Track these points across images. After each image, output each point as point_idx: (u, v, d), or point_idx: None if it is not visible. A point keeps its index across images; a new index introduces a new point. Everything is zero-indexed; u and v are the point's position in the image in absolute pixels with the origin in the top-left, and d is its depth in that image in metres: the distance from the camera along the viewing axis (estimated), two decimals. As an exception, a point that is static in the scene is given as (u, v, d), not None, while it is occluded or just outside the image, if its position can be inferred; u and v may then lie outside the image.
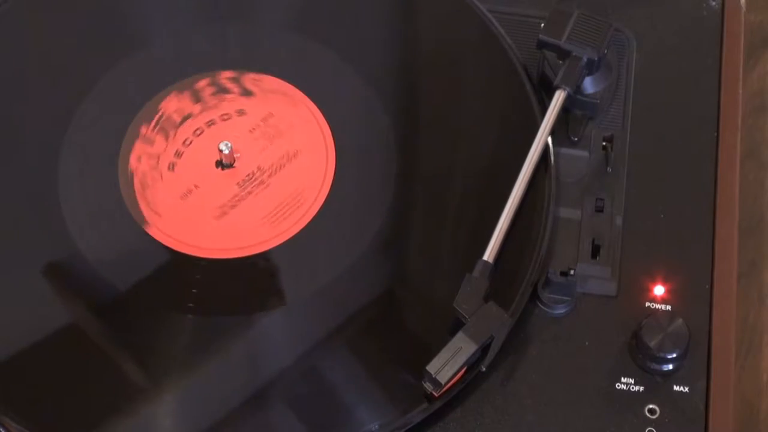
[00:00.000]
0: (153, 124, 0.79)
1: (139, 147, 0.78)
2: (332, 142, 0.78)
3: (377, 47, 0.82)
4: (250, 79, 0.79)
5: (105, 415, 0.69)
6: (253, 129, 0.78)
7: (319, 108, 0.79)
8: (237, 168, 0.77)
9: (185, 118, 0.79)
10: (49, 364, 0.71)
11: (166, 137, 0.78)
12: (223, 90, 0.79)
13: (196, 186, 0.77)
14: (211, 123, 0.78)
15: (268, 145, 0.78)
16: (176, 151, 0.78)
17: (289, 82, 0.80)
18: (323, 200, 0.76)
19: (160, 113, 0.79)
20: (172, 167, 0.77)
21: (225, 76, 0.80)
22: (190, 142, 0.78)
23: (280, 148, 0.78)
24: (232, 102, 0.79)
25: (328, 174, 0.77)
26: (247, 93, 0.79)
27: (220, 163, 0.77)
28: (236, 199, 0.76)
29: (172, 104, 0.79)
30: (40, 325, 0.72)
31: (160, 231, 0.75)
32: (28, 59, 0.81)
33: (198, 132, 0.78)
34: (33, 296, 0.73)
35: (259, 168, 0.77)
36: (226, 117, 0.79)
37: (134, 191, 0.76)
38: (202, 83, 0.80)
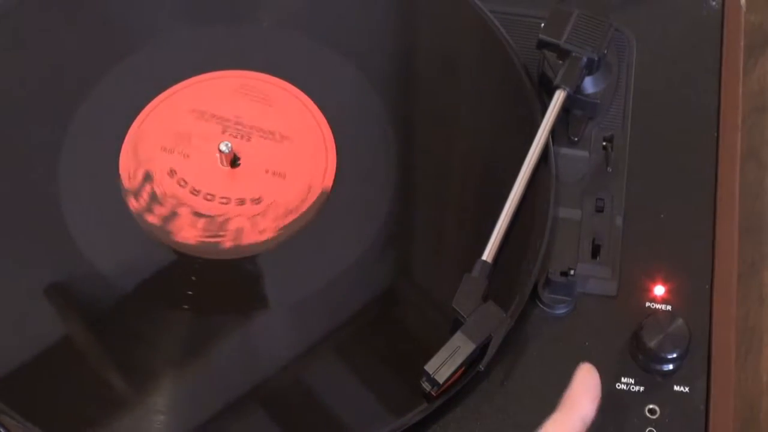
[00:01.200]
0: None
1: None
2: (332, 142, 0.78)
3: (377, 47, 0.82)
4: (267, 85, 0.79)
5: (103, 413, 0.69)
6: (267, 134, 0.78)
7: (319, 108, 0.79)
8: (239, 167, 0.77)
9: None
10: (46, 363, 0.71)
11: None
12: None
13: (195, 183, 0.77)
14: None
15: (272, 146, 0.78)
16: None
17: (288, 82, 0.80)
18: (323, 201, 0.76)
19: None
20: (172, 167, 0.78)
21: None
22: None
23: (281, 148, 0.78)
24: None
25: (328, 174, 0.77)
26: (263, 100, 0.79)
27: (221, 162, 0.77)
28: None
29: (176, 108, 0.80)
30: (37, 324, 0.72)
31: (160, 229, 0.75)
32: (28, 59, 0.81)
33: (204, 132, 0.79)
34: (29, 295, 0.73)
35: (260, 166, 0.77)
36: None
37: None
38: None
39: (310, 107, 0.79)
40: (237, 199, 0.76)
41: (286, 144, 0.78)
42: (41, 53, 0.82)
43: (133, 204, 0.75)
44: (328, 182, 0.76)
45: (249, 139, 0.78)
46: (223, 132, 0.78)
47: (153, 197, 0.76)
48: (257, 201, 0.76)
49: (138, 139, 0.77)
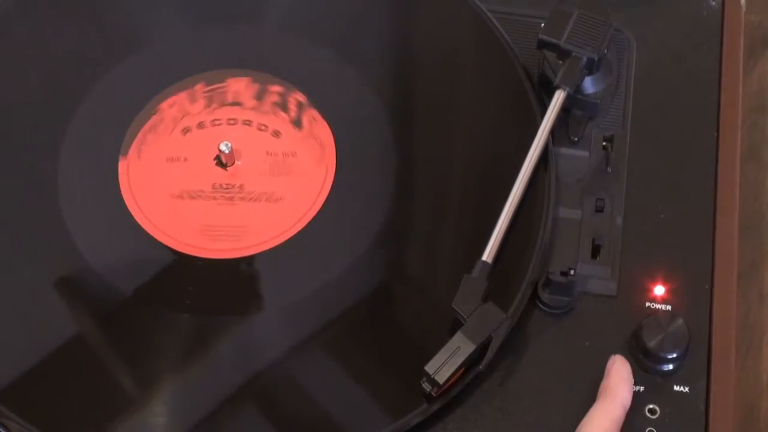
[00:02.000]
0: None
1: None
2: (332, 143, 0.78)
3: (376, 47, 0.82)
4: (309, 115, 0.79)
5: (103, 414, 0.70)
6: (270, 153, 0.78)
7: (319, 108, 0.79)
8: (236, 168, 0.77)
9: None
10: (46, 365, 0.71)
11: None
12: (282, 106, 0.79)
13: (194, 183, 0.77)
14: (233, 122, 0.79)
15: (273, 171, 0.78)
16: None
17: (288, 81, 0.80)
18: (322, 202, 0.76)
19: (159, 114, 0.79)
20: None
21: (295, 97, 0.79)
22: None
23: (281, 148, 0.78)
24: (278, 119, 0.79)
25: (329, 175, 0.77)
26: (297, 124, 0.78)
27: (219, 163, 0.77)
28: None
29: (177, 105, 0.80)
30: (37, 324, 0.72)
31: (159, 230, 0.75)
32: (28, 60, 0.81)
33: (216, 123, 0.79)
34: (30, 295, 0.73)
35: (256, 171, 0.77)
36: (263, 128, 0.78)
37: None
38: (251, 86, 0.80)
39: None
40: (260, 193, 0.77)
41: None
42: (40, 53, 0.82)
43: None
44: (329, 184, 0.76)
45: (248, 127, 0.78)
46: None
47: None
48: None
49: (158, 222, 0.76)
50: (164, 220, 0.75)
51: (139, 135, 0.78)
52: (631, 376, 0.70)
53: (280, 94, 0.79)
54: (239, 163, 0.77)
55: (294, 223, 0.75)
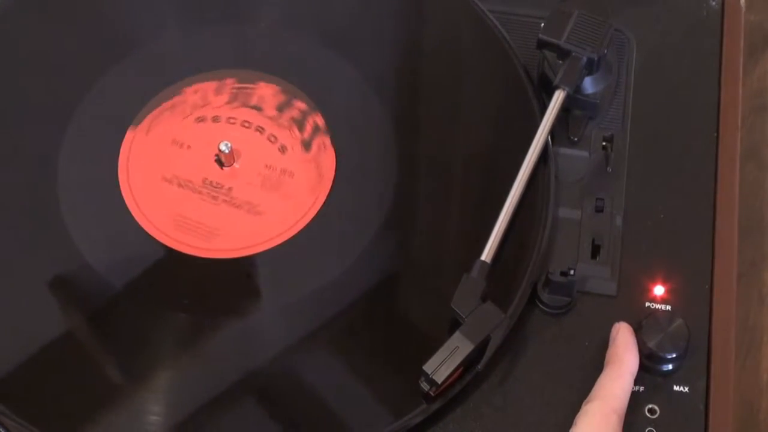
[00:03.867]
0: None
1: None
2: (331, 176, 0.77)
3: (376, 46, 0.82)
4: (320, 141, 0.78)
5: (102, 413, 0.70)
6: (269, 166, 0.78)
7: (319, 108, 0.79)
8: (233, 170, 0.77)
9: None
10: (44, 363, 0.71)
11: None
12: (299, 124, 0.79)
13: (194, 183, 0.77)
14: (237, 122, 0.79)
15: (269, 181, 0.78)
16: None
17: (314, 101, 0.80)
18: (322, 201, 0.76)
19: (182, 96, 0.79)
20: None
21: (315, 119, 0.79)
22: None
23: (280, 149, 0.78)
24: (288, 133, 0.79)
25: (315, 205, 0.76)
26: (306, 146, 0.78)
27: (218, 160, 0.77)
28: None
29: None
30: (35, 323, 0.72)
31: (158, 229, 0.75)
32: (28, 60, 0.81)
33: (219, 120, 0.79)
34: (28, 294, 0.73)
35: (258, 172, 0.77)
36: (272, 139, 0.78)
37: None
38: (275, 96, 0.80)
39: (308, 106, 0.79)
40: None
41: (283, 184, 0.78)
42: (41, 53, 0.82)
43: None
44: (328, 184, 0.76)
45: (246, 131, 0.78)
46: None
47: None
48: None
49: (139, 198, 0.76)
50: (144, 196, 0.76)
51: (157, 111, 0.78)
52: (635, 341, 0.70)
53: (302, 112, 0.79)
54: (237, 165, 0.77)
55: (263, 240, 0.75)
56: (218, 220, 0.75)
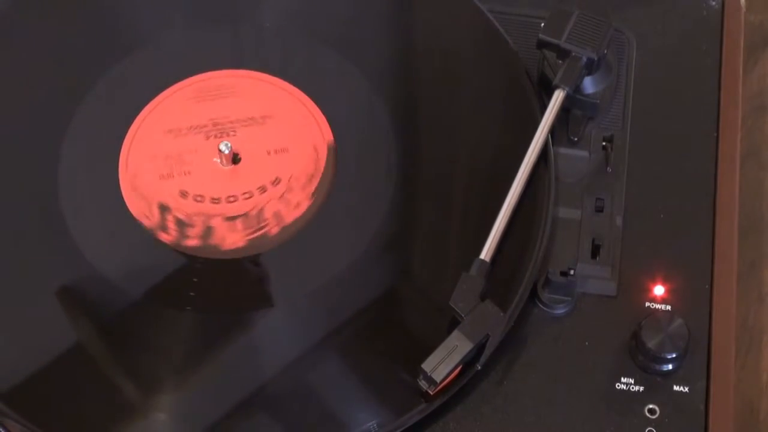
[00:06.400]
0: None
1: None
2: (333, 142, 0.78)
3: (377, 46, 0.82)
4: (320, 141, 0.78)
5: (109, 416, 0.70)
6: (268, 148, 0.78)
7: (319, 107, 0.79)
8: (240, 162, 0.77)
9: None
10: (50, 366, 0.71)
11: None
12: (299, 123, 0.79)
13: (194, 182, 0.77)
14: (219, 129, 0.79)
15: (259, 129, 0.78)
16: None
17: (287, 81, 0.80)
18: (322, 201, 0.76)
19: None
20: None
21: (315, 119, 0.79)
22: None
23: (268, 127, 0.78)
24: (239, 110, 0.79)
25: (325, 130, 0.77)
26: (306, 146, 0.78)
27: (223, 163, 0.77)
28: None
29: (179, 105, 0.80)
30: (38, 325, 0.72)
31: (205, 248, 0.75)
32: (28, 59, 0.81)
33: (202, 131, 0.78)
34: (31, 295, 0.73)
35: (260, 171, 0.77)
36: (245, 123, 0.79)
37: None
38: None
39: (272, 81, 0.79)
40: (258, 188, 0.76)
41: (270, 122, 0.78)
42: (40, 53, 0.82)
43: (165, 237, 0.74)
44: (329, 136, 0.77)
45: (234, 133, 0.78)
46: (207, 138, 0.77)
47: (180, 224, 0.75)
48: (277, 182, 0.76)
49: (132, 179, 0.76)
50: (144, 196, 0.76)
51: (157, 111, 0.78)
52: None
53: (302, 112, 0.79)
54: (238, 166, 0.77)
55: (320, 184, 0.76)
56: (281, 137, 0.76)
